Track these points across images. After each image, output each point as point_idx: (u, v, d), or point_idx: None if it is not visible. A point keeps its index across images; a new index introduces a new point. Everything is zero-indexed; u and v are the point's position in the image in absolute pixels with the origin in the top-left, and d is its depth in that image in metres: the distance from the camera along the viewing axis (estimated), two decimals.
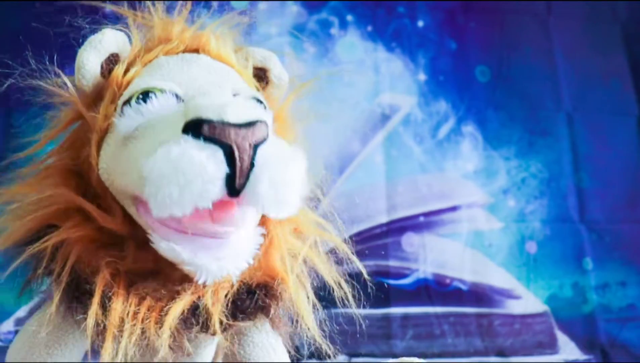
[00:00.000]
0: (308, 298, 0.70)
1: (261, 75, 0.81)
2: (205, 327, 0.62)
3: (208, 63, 0.72)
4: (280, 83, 0.81)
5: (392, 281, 1.81)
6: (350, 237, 0.77)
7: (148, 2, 0.78)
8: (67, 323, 0.65)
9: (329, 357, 0.71)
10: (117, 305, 0.59)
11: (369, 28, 2.04)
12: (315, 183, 0.75)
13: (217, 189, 0.53)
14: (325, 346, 0.70)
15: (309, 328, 0.69)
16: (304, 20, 2.01)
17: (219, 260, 0.59)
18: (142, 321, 0.59)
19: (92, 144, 0.64)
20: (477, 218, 1.93)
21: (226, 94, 0.64)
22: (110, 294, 0.60)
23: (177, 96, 0.64)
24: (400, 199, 1.89)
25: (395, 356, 1.77)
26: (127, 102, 0.64)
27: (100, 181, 0.64)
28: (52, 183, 0.66)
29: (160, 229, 0.60)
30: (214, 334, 0.62)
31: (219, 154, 0.53)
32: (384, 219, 1.86)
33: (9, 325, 1.66)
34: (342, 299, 0.72)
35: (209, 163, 0.53)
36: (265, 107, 0.69)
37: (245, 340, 0.69)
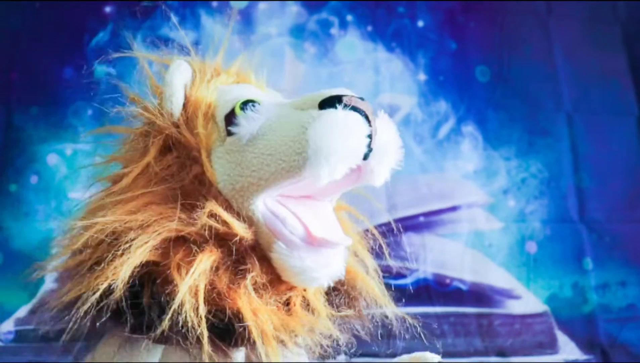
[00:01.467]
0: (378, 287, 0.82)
1: None
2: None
3: (255, 89, 0.80)
4: None
5: (392, 281, 1.81)
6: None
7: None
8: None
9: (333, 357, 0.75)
10: (263, 315, 0.64)
11: (369, 28, 2.04)
12: None
13: (364, 147, 0.63)
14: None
15: (386, 308, 0.81)
16: (304, 20, 2.01)
17: (329, 266, 0.67)
18: (285, 323, 0.65)
19: (205, 162, 0.67)
20: (477, 218, 1.93)
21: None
22: (252, 309, 0.63)
23: (274, 104, 0.71)
24: (400, 199, 1.89)
25: (395, 356, 1.77)
26: (231, 114, 0.68)
27: (219, 196, 0.66)
28: (155, 210, 0.63)
29: (289, 239, 0.65)
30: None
31: (361, 117, 0.63)
32: (384, 219, 1.86)
33: (9, 325, 1.66)
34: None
35: (361, 124, 0.63)
36: None
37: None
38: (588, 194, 1.99)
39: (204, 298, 0.60)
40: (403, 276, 1.83)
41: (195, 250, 0.62)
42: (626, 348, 1.85)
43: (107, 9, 1.95)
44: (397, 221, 1.87)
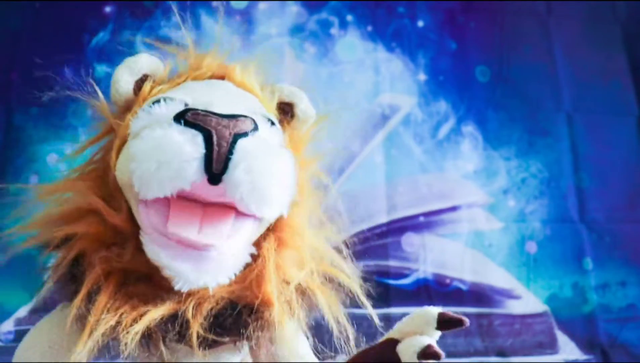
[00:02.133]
0: (298, 324, 0.71)
1: (287, 109, 0.83)
2: (182, 337, 0.64)
3: (229, 88, 0.77)
4: (305, 118, 0.83)
5: (392, 281, 1.81)
6: (351, 237, 0.78)
7: (186, 36, 0.85)
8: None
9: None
10: (102, 299, 0.63)
11: (369, 28, 2.04)
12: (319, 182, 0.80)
13: (193, 169, 0.58)
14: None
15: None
16: (304, 20, 2.01)
17: (198, 271, 0.62)
18: (121, 317, 0.62)
19: (113, 148, 0.69)
20: (477, 218, 1.93)
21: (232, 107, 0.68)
22: (98, 288, 0.64)
23: (185, 104, 0.68)
24: (400, 199, 1.89)
25: None
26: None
27: (115, 181, 0.68)
28: (84, 186, 0.71)
29: (151, 232, 0.63)
30: (190, 345, 0.64)
31: (198, 138, 0.58)
32: (384, 219, 1.86)
33: (9, 325, 1.66)
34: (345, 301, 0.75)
35: (187, 144, 0.58)
36: (274, 125, 0.72)
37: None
38: (588, 194, 1.99)
39: (83, 256, 0.67)
40: (403, 276, 1.84)
41: (93, 222, 0.68)
42: (626, 348, 1.85)
43: (107, 9, 1.95)
44: (397, 221, 1.88)
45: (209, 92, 0.72)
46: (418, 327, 0.60)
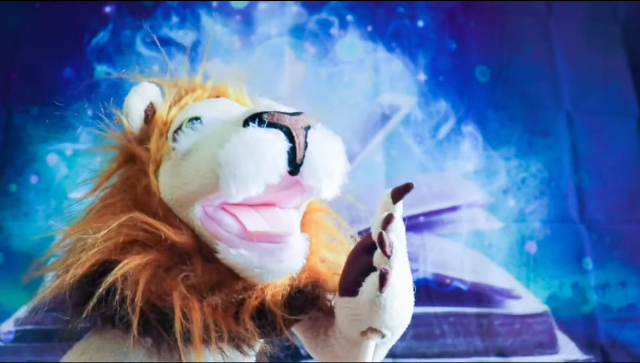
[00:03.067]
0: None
1: None
2: (272, 326, 0.70)
3: (230, 103, 0.82)
4: None
5: None
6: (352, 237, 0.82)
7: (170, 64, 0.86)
8: (126, 346, 0.69)
9: None
10: (197, 316, 0.66)
11: (369, 28, 2.04)
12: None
13: (283, 163, 0.64)
14: None
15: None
16: (304, 20, 2.01)
17: (281, 262, 0.68)
18: (221, 326, 0.66)
19: (150, 174, 0.73)
20: (477, 218, 1.93)
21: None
22: (188, 309, 0.66)
23: (221, 120, 0.73)
24: None
25: (395, 356, 1.77)
26: (178, 129, 0.73)
27: (162, 204, 0.72)
28: (114, 218, 0.71)
29: (227, 237, 0.68)
30: (280, 331, 0.70)
31: (280, 134, 0.65)
32: None
33: (9, 325, 1.66)
34: None
35: (275, 140, 0.64)
36: None
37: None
38: (588, 194, 1.99)
39: (149, 292, 0.66)
40: None
41: (142, 250, 0.69)
42: (626, 348, 1.85)
43: (107, 9, 1.95)
44: None
45: (225, 108, 0.78)
46: (381, 211, 0.68)
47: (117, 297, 0.64)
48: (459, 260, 1.88)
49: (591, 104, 2.07)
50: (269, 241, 0.68)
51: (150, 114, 0.78)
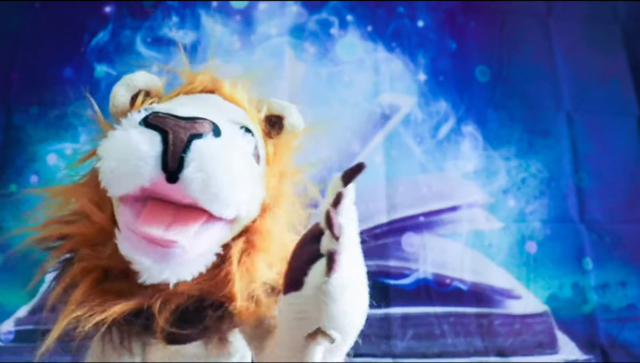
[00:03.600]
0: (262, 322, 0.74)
1: (276, 121, 0.85)
2: (148, 330, 0.69)
3: (216, 101, 0.80)
4: (292, 130, 0.85)
5: (392, 281, 1.81)
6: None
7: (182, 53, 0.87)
8: None
9: None
10: (77, 294, 0.68)
11: (369, 28, 2.04)
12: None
13: (149, 167, 0.61)
14: None
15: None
16: (304, 20, 2.01)
17: (160, 266, 0.65)
18: (91, 309, 0.67)
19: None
20: (477, 218, 1.93)
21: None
22: (76, 283, 0.69)
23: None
24: (400, 199, 1.89)
25: (395, 356, 1.77)
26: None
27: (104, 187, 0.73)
28: (80, 190, 0.77)
29: (124, 230, 0.67)
30: (154, 337, 0.69)
31: (155, 138, 0.61)
32: (384, 219, 1.86)
33: (9, 325, 1.66)
34: None
35: (143, 143, 0.61)
36: (249, 134, 0.74)
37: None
38: (588, 194, 1.99)
39: (70, 251, 0.75)
40: (403, 276, 1.84)
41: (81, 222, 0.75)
42: (626, 348, 1.85)
43: (107, 9, 1.95)
44: (397, 221, 1.88)
45: (191, 105, 0.75)
46: (331, 196, 0.59)
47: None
48: (459, 260, 1.88)
49: (591, 104, 2.07)
50: (154, 242, 0.64)
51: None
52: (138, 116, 0.66)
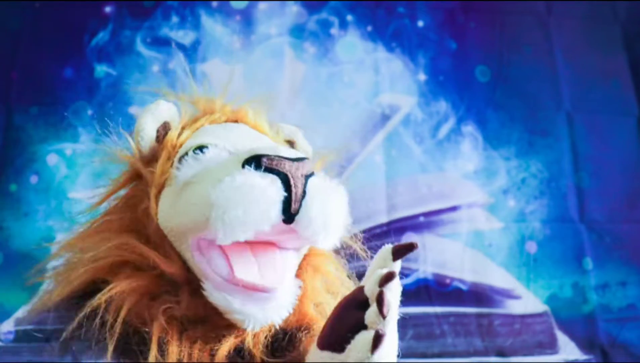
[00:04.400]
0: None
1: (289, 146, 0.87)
2: None
3: (247, 130, 0.81)
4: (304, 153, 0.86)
5: None
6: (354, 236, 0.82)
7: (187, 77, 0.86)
8: None
9: None
10: (173, 348, 0.65)
11: (369, 28, 2.04)
12: None
13: (276, 212, 0.62)
14: None
15: None
16: (304, 20, 2.01)
17: (264, 310, 0.67)
18: (196, 360, 0.65)
19: (151, 197, 0.72)
20: (477, 218, 1.93)
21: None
22: (165, 339, 0.66)
23: (229, 151, 0.72)
24: (400, 199, 1.89)
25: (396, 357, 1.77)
26: (184, 156, 0.72)
27: (159, 230, 0.71)
28: (109, 237, 0.71)
29: (214, 278, 0.67)
30: None
31: (277, 181, 0.62)
32: (384, 219, 1.86)
33: (9, 325, 1.66)
34: None
35: (270, 188, 0.62)
36: None
37: None
38: (588, 194, 1.99)
39: (128, 318, 0.66)
40: (403, 276, 1.83)
41: (133, 274, 0.68)
42: (626, 348, 1.85)
43: (107, 9, 1.95)
44: (397, 221, 1.88)
45: (239, 136, 0.76)
46: (379, 265, 0.63)
47: (96, 321, 0.64)
48: (459, 260, 1.88)
49: (591, 104, 2.07)
50: (255, 291, 0.66)
51: (162, 134, 0.77)
52: (218, 157, 0.68)
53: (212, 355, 0.66)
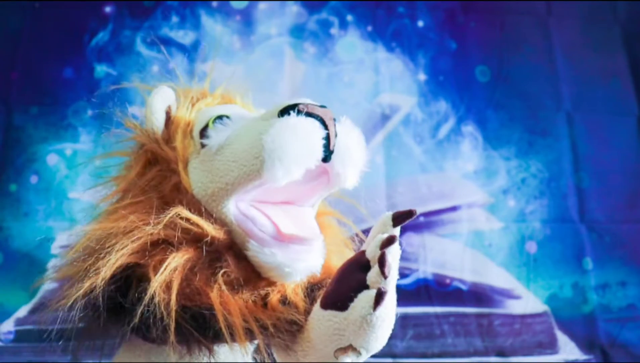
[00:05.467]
0: None
1: None
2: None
3: (240, 108, 0.86)
4: None
5: None
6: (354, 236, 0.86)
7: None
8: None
9: None
10: (236, 310, 0.67)
11: (369, 28, 2.04)
12: None
13: (321, 148, 0.68)
14: None
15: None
16: (304, 20, 2.01)
17: (306, 261, 0.72)
18: (256, 317, 0.68)
19: (181, 171, 0.74)
20: (477, 218, 1.93)
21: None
22: (224, 305, 0.67)
23: (245, 119, 0.77)
24: (400, 199, 1.89)
25: (395, 356, 1.77)
26: (205, 128, 0.76)
27: (194, 201, 0.73)
28: (145, 217, 0.70)
29: (260, 236, 0.71)
30: (300, 322, 0.71)
31: (317, 123, 0.69)
32: None
33: (9, 325, 1.66)
34: None
35: (315, 127, 0.68)
36: None
37: None
38: (588, 194, 1.99)
39: (179, 294, 0.65)
40: (403, 276, 1.84)
41: (171, 250, 0.68)
42: (626, 348, 1.85)
43: (107, 9, 1.95)
44: None
45: (238, 111, 0.82)
46: (379, 231, 0.68)
47: (151, 306, 0.63)
48: (459, 260, 1.88)
49: (591, 104, 2.07)
50: (299, 244, 0.71)
51: (167, 116, 0.80)
52: (266, 116, 0.72)
53: (265, 305, 0.70)
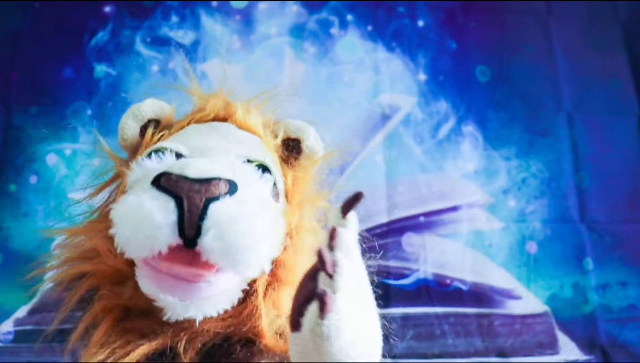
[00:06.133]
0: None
1: (294, 145, 0.84)
2: None
3: (230, 130, 0.78)
4: (311, 153, 0.83)
5: (392, 281, 1.81)
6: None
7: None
8: None
9: None
10: (98, 334, 0.66)
11: (369, 28, 2.03)
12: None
13: (164, 235, 0.58)
14: None
15: None
16: (304, 20, 2.01)
17: (186, 302, 0.63)
18: (113, 351, 0.65)
19: (118, 194, 0.74)
20: (477, 218, 1.93)
21: (221, 157, 0.69)
22: (97, 323, 0.68)
23: (178, 155, 0.70)
24: (400, 199, 1.89)
25: (395, 356, 1.77)
26: (149, 155, 0.71)
27: None
28: (100, 228, 0.73)
29: (143, 267, 0.65)
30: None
31: (170, 204, 0.59)
32: (384, 219, 1.86)
33: (8, 325, 1.66)
34: None
35: (158, 211, 0.59)
36: (269, 173, 0.73)
37: None
38: (588, 194, 1.99)
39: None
40: (404, 276, 1.83)
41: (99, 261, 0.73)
42: (626, 349, 1.85)
43: (107, 9, 1.95)
44: (397, 221, 1.88)
45: (206, 139, 0.74)
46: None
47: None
48: (459, 260, 1.88)
49: (591, 104, 2.07)
50: (178, 277, 0.63)
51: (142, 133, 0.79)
52: (158, 166, 0.65)
53: (127, 352, 0.65)
